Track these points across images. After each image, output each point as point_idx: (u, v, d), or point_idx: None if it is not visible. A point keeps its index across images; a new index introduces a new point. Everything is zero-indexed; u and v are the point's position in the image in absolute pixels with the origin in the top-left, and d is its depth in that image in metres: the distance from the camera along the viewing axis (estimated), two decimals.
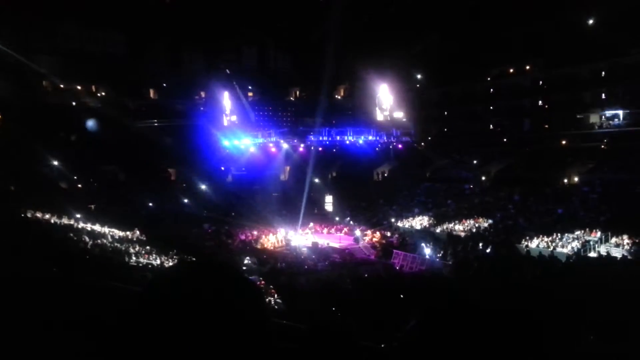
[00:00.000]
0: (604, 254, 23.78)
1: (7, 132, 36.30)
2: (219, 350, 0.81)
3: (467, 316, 0.88)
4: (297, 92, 59.23)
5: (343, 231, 35.13)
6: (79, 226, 28.20)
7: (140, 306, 0.85)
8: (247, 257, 25.79)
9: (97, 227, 28.85)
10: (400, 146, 48.87)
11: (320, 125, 49.18)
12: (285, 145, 47.78)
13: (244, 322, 0.85)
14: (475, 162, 42.77)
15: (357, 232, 33.22)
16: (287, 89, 58.53)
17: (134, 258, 22.58)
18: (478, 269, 22.74)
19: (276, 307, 16.83)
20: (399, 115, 52.22)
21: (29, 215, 27.36)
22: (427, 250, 27.74)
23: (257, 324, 0.87)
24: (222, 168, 48.76)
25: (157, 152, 43.50)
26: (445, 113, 50.90)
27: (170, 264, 21.59)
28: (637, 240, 24.25)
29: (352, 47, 46.45)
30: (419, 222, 35.21)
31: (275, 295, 18.15)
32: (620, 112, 38.10)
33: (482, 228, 31.24)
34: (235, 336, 0.83)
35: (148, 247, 25.15)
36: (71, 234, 25.76)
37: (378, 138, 48.11)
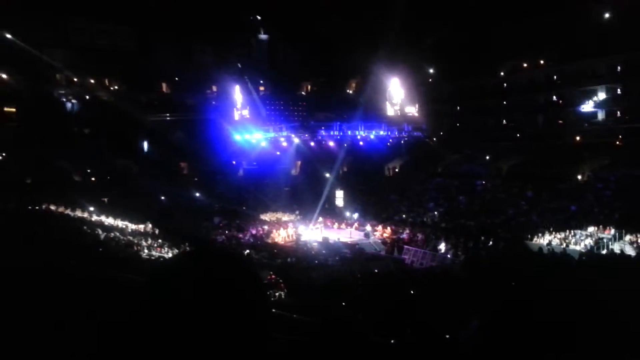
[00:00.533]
0: (618, 251, 23.49)
1: (21, 125, 36.73)
2: (220, 334, 0.82)
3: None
4: (309, 87, 59.13)
5: (354, 226, 35.09)
6: (93, 219, 28.50)
7: (140, 296, 0.85)
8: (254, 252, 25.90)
9: (110, 220, 29.15)
10: (411, 141, 48.61)
11: (332, 120, 49.08)
12: (296, 140, 47.77)
13: (243, 306, 0.85)
14: (487, 157, 42.44)
15: (368, 228, 33.17)
16: (298, 83, 58.46)
17: (146, 251, 22.79)
18: (489, 266, 22.60)
19: (286, 301, 16.88)
20: (411, 110, 51.93)
21: (43, 207, 27.70)
22: (439, 246, 27.63)
23: (256, 308, 0.87)
24: (234, 162, 48.93)
25: (170, 146, 43.77)
26: (457, 108, 50.52)
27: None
28: None
29: (363, 41, 46.23)
30: (430, 217, 35.06)
31: (285, 290, 18.20)
32: (635, 107, 37.51)
33: (494, 224, 31.03)
34: (235, 320, 0.83)
35: (160, 240, 25.36)
36: (85, 227, 26.06)
37: (389, 133, 47.88)
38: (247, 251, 26.06)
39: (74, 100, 46.22)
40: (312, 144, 47.82)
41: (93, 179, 39.49)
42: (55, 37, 47.02)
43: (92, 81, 49.06)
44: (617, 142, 36.12)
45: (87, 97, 47.95)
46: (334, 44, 48.53)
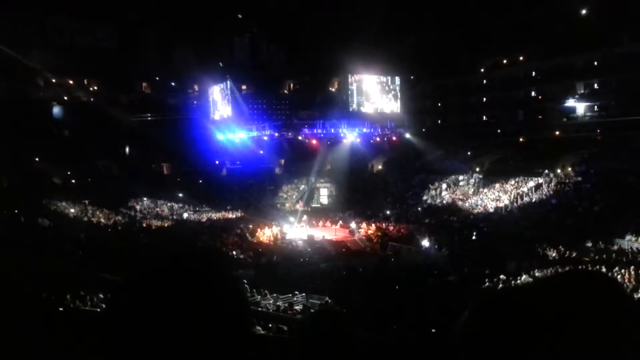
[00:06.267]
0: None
1: None
2: (197, 341, 0.80)
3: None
4: (291, 85, 59.01)
5: (338, 224, 35.15)
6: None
7: (117, 300, 0.84)
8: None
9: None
10: (394, 138, 48.88)
11: (315, 118, 49.08)
12: (279, 139, 47.68)
13: (221, 313, 0.84)
14: (469, 153, 42.88)
15: (352, 225, 33.25)
16: (281, 82, 58.29)
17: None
18: (472, 259, 22.86)
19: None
20: (393, 107, 52.20)
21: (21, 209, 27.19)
22: (423, 242, 27.83)
23: (234, 314, 0.86)
24: (217, 162, 48.63)
25: (151, 147, 43.31)
26: (439, 105, 50.97)
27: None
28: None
29: (346, 39, 46.30)
30: (414, 213, 35.31)
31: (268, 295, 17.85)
32: (613, 102, 38.25)
33: (476, 218, 31.38)
34: (212, 327, 0.82)
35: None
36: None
37: (372, 130, 48.08)
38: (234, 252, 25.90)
39: (53, 101, 45.45)
40: (296, 142, 47.78)
41: (73, 180, 38.84)
42: (34, 37, 46.13)
43: (72, 82, 48.30)
44: (597, 137, 36.77)
45: (66, 97, 47.21)
46: (317, 42, 48.55)
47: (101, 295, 11.35)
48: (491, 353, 0.79)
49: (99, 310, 9.84)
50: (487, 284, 18.62)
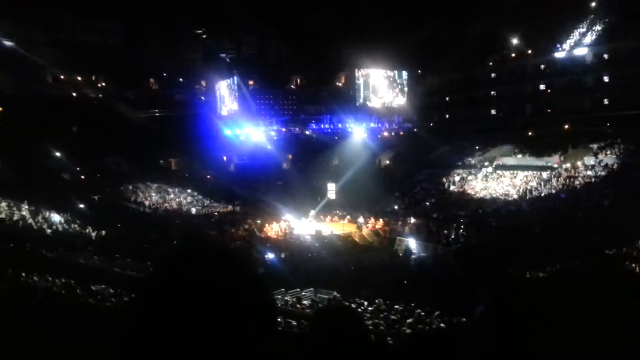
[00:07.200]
0: None
1: (8, 124, 36.27)
2: (223, 334, 0.80)
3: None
4: (298, 80, 58.99)
5: (346, 218, 35.11)
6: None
7: (141, 292, 0.83)
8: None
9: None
10: (402, 133, 48.76)
11: (322, 113, 49.04)
12: (287, 134, 47.69)
13: (247, 305, 0.83)
14: (477, 147, 42.67)
15: (360, 219, 33.20)
16: (288, 77, 58.31)
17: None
18: (480, 254, 22.77)
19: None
20: (400, 102, 52.03)
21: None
22: (432, 236, 27.75)
23: (260, 307, 0.86)
24: (224, 157, 48.73)
25: (159, 143, 43.46)
26: (447, 99, 50.70)
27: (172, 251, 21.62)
28: None
29: (352, 34, 46.17)
30: (422, 208, 35.19)
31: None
32: (624, 96, 37.83)
33: (485, 213, 31.23)
34: (240, 320, 0.82)
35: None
36: (75, 225, 25.91)
37: (379, 125, 47.97)
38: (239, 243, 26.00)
39: (61, 98, 45.69)
40: (303, 137, 47.79)
41: (82, 177, 39.09)
42: (42, 35, 46.41)
43: (79, 78, 48.56)
44: (607, 130, 36.42)
45: (75, 94, 47.47)
46: (323, 37, 48.43)
47: (111, 290, 11.44)
48: (510, 345, 0.77)
49: (108, 304, 9.92)
50: (496, 278, 18.54)
